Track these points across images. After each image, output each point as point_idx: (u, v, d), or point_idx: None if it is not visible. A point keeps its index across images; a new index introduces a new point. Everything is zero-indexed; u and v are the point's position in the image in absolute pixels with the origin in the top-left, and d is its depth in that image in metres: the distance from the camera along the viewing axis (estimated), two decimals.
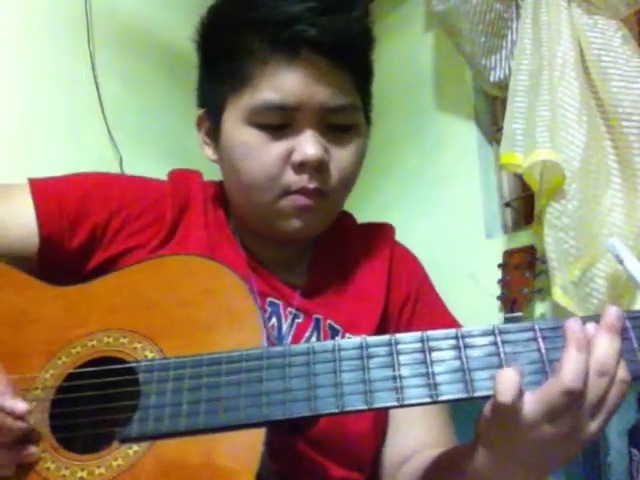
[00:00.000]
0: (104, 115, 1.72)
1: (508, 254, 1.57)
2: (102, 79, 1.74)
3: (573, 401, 0.51)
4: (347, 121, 0.74)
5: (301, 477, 0.69)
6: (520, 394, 0.52)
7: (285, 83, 0.69)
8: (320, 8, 0.69)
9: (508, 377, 0.52)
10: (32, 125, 1.57)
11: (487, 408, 0.54)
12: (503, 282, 1.54)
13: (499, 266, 1.57)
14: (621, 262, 1.13)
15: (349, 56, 0.72)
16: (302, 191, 0.71)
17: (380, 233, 0.87)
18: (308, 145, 0.70)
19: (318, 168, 0.71)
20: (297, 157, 0.70)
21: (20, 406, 0.56)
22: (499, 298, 1.53)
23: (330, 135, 0.73)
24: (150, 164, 1.76)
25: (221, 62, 0.74)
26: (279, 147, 0.71)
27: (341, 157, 0.73)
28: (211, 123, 0.77)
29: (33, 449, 0.58)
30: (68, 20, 1.70)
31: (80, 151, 1.64)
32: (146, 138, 1.85)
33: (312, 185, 0.71)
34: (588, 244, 1.36)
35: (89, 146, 1.69)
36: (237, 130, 0.72)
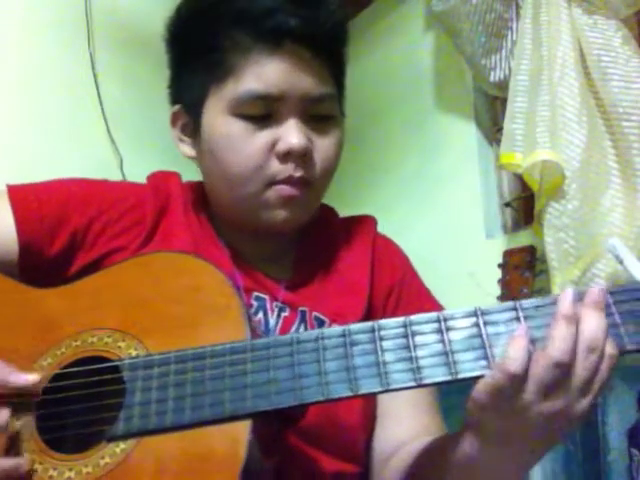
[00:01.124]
0: (104, 115, 1.72)
1: (508, 254, 1.57)
2: (102, 79, 1.74)
3: (564, 374, 0.52)
4: (328, 111, 0.75)
5: (295, 471, 0.69)
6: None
7: (268, 73, 0.70)
8: (299, 0, 0.70)
9: (522, 346, 0.52)
10: (32, 125, 1.57)
11: (480, 389, 0.54)
12: (503, 282, 1.54)
13: (499, 266, 1.57)
14: (621, 262, 1.13)
15: (328, 47, 0.74)
16: (287, 181, 0.72)
17: (362, 225, 0.87)
18: (293, 134, 0.70)
19: (303, 157, 0.72)
20: (282, 146, 0.71)
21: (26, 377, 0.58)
22: (499, 298, 1.53)
23: (312, 125, 0.73)
24: (150, 164, 1.75)
25: (201, 54, 0.74)
26: (263, 137, 0.71)
27: (324, 146, 0.74)
28: (189, 118, 0.77)
29: (22, 460, 0.57)
30: (68, 20, 1.70)
31: (80, 151, 1.64)
32: (146, 138, 1.84)
33: (298, 174, 0.72)
34: (588, 244, 1.36)
35: (89, 146, 1.69)
36: (220, 121, 0.72)
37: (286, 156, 0.71)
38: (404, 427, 0.76)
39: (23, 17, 1.61)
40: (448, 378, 0.54)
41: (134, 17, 1.88)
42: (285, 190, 0.72)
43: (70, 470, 0.57)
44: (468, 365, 0.54)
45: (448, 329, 0.56)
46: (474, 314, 0.56)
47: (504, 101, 1.60)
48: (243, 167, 0.72)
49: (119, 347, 0.62)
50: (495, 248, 1.66)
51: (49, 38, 1.65)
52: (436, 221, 1.91)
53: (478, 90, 1.88)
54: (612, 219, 1.37)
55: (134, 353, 0.61)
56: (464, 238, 1.83)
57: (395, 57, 2.10)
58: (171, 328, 0.62)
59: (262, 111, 0.71)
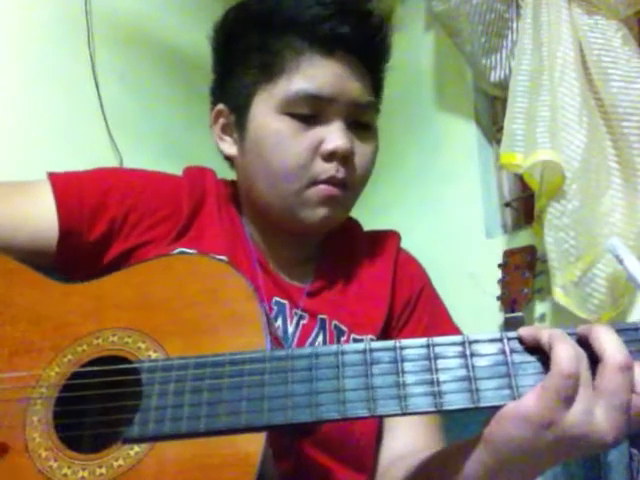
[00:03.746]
0: (104, 115, 1.72)
1: (508, 254, 1.57)
2: (102, 79, 1.73)
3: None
4: (369, 120, 0.78)
5: (306, 478, 0.69)
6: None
7: (321, 75, 0.73)
8: (349, 10, 0.74)
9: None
10: (32, 125, 1.57)
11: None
12: (503, 282, 1.54)
13: (499, 266, 1.57)
14: (621, 262, 1.13)
15: (374, 59, 0.78)
16: (330, 181, 0.74)
17: (386, 240, 0.88)
18: (338, 136, 0.73)
19: (346, 159, 0.74)
20: (328, 146, 0.73)
21: None
22: (499, 298, 1.53)
23: (354, 131, 0.76)
24: (150, 164, 1.74)
25: (251, 56, 0.76)
26: (309, 137, 0.73)
27: (363, 153, 0.77)
28: (235, 116, 0.78)
29: None
30: (68, 20, 1.69)
31: (80, 151, 1.64)
32: (146, 138, 1.84)
33: (340, 175, 0.74)
34: (588, 244, 1.36)
35: (89, 146, 1.68)
36: (268, 119, 0.74)
37: (330, 156, 0.73)
38: (408, 438, 0.76)
39: (23, 17, 1.60)
40: (469, 405, 0.52)
41: (134, 17, 1.88)
42: (326, 190, 0.74)
43: (84, 470, 0.57)
44: (491, 394, 0.52)
45: (473, 354, 0.54)
46: (500, 340, 0.54)
47: (504, 101, 1.59)
48: (289, 165, 0.73)
49: (139, 348, 0.62)
50: (495, 248, 1.66)
51: (49, 38, 1.65)
52: (436, 221, 1.91)
53: (478, 90, 1.88)
54: (612, 219, 1.37)
55: (153, 355, 0.61)
56: (464, 238, 1.83)
57: (395, 57, 2.10)
58: (190, 332, 0.61)
59: (310, 111, 0.73)
